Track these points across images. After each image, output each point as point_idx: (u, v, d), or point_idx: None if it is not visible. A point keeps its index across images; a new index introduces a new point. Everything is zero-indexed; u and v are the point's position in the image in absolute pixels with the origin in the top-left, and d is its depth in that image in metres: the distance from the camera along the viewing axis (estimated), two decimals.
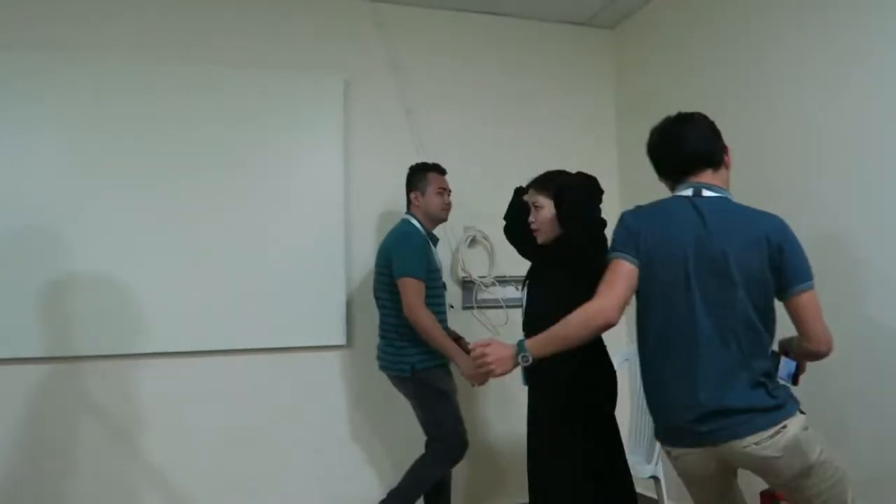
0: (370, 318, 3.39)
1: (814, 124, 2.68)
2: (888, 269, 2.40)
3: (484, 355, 1.78)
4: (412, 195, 2.97)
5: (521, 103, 3.78)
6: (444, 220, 3.00)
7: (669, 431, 1.85)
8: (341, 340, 3.35)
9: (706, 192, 1.86)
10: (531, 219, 2.34)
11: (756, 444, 1.70)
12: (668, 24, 3.55)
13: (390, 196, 3.49)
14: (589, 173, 2.30)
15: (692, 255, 1.78)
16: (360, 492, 3.33)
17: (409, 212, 2.98)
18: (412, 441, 3.43)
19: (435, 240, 2.98)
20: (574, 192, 2.22)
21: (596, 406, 2.22)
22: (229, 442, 3.16)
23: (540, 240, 2.33)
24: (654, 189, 2.05)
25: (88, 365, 3.00)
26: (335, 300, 3.34)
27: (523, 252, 2.51)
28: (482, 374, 1.88)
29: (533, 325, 2.13)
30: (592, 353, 2.21)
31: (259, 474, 3.21)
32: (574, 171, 2.35)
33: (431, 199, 2.93)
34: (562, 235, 2.25)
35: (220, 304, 3.16)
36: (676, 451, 1.84)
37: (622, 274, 1.82)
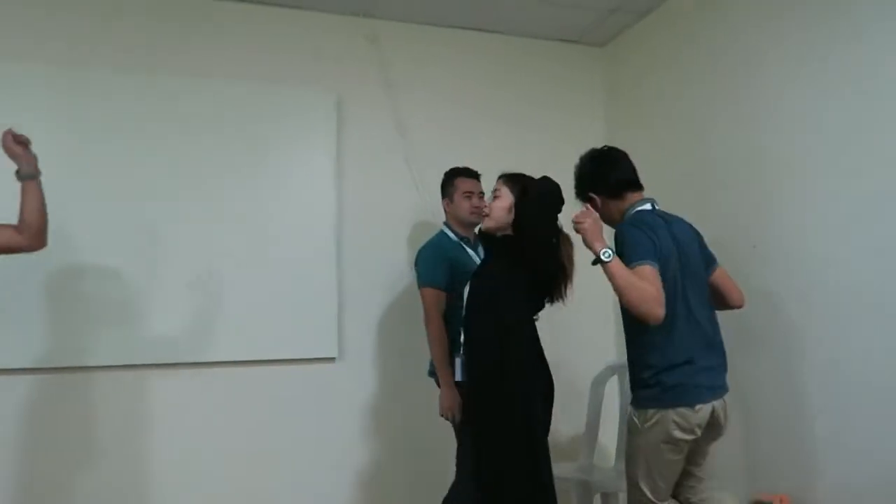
0: (361, 331, 3.45)
1: (803, 139, 2.72)
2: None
3: (584, 219, 2.19)
4: (444, 203, 3.03)
5: (512, 120, 3.83)
6: (476, 223, 2.91)
7: (698, 390, 2.17)
8: (333, 353, 3.37)
9: (657, 206, 2.37)
10: (483, 204, 2.55)
11: (725, 400, 2.25)
12: (658, 42, 3.60)
13: (382, 211, 3.54)
14: (553, 180, 2.43)
15: (677, 255, 2.22)
16: None
17: (444, 220, 3.03)
18: (405, 452, 3.45)
19: (475, 244, 2.96)
20: (537, 195, 2.38)
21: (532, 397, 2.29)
22: (220, 451, 3.18)
23: (484, 225, 2.46)
24: None
25: (80, 376, 3.01)
26: (327, 314, 3.36)
27: None
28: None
29: (468, 313, 2.40)
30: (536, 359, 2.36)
31: (251, 486, 3.22)
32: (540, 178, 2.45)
33: (459, 204, 2.96)
34: (513, 229, 2.38)
35: (211, 316, 3.19)
36: (699, 406, 2.14)
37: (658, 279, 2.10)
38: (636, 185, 2.39)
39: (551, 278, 2.35)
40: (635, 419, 2.19)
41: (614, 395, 3.49)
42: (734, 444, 2.83)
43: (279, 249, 3.32)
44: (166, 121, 3.21)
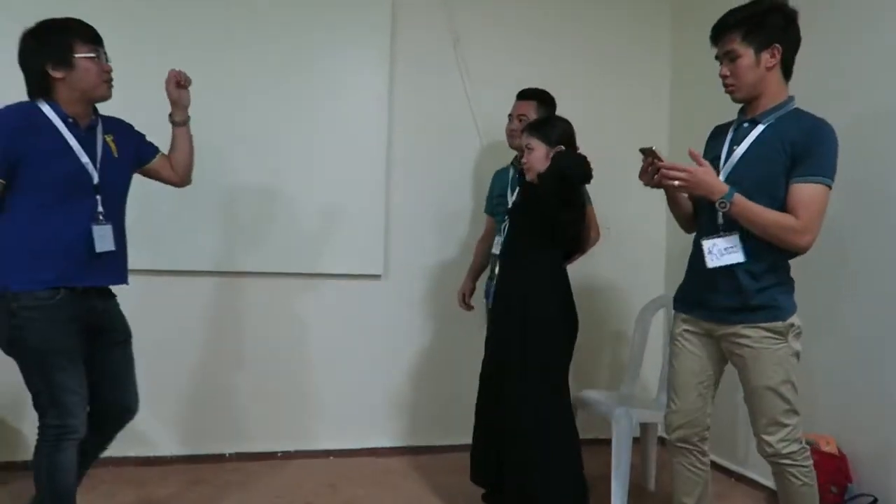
0: (406, 249, 3.45)
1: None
2: None
3: (685, 170, 1.87)
4: None
5: (577, 39, 3.64)
6: (511, 147, 2.93)
7: None
8: (379, 270, 3.38)
9: None
10: (524, 159, 2.53)
11: None
12: None
13: (434, 125, 3.45)
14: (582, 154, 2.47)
15: None
16: (388, 421, 3.44)
17: None
18: (437, 369, 3.50)
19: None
20: (567, 168, 2.39)
21: (552, 350, 2.44)
22: (278, 351, 3.29)
23: (529, 177, 2.51)
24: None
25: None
26: (374, 231, 3.35)
27: None
28: (663, 179, 1.92)
29: (507, 256, 2.57)
30: (558, 302, 2.47)
31: (302, 385, 3.32)
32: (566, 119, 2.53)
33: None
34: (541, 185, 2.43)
35: (260, 227, 3.22)
36: None
37: None
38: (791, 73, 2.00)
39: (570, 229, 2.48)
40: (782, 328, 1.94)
41: (660, 327, 3.46)
42: None
43: (329, 161, 3.28)
44: (219, 24, 3.14)
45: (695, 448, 2.12)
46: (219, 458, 3.20)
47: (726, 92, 1.99)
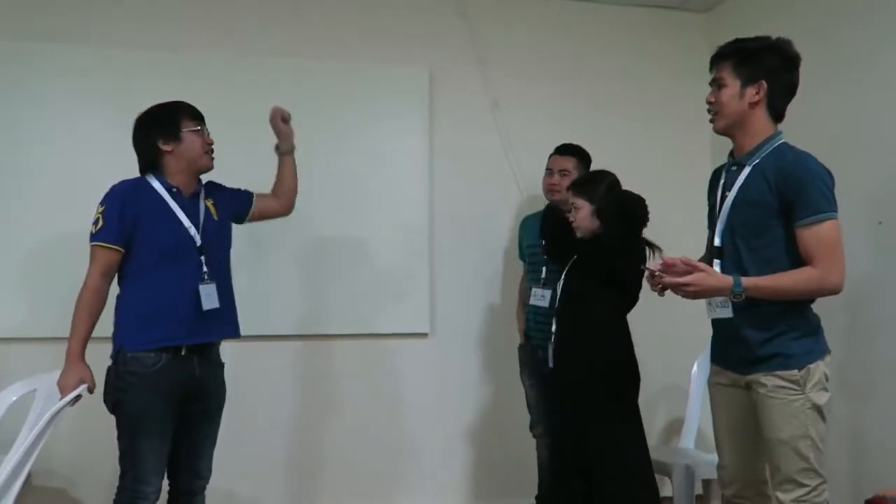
0: (453, 306, 3.47)
1: None
2: None
3: (685, 284, 1.83)
4: None
5: (612, 94, 3.69)
6: (550, 200, 3.02)
7: None
8: (426, 329, 3.40)
9: None
10: (571, 218, 2.58)
11: None
12: (762, 8, 3.37)
13: (475, 188, 3.51)
14: (638, 195, 2.56)
15: None
16: (446, 482, 3.39)
17: None
18: (489, 424, 3.45)
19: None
20: (615, 207, 2.51)
21: (626, 389, 2.50)
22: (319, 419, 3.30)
23: (579, 234, 2.57)
24: None
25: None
26: (420, 290, 3.39)
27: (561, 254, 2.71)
28: (662, 288, 1.92)
29: (567, 310, 2.56)
30: (625, 345, 2.53)
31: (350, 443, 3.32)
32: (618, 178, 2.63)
33: (543, 180, 3.05)
34: (598, 237, 2.52)
35: (306, 291, 3.29)
36: None
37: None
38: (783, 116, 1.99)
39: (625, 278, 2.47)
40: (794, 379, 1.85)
41: None
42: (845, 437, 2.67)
43: (373, 228, 3.37)
44: (260, 101, 3.19)
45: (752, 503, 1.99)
46: None
47: (710, 121, 2.00)
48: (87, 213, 2.20)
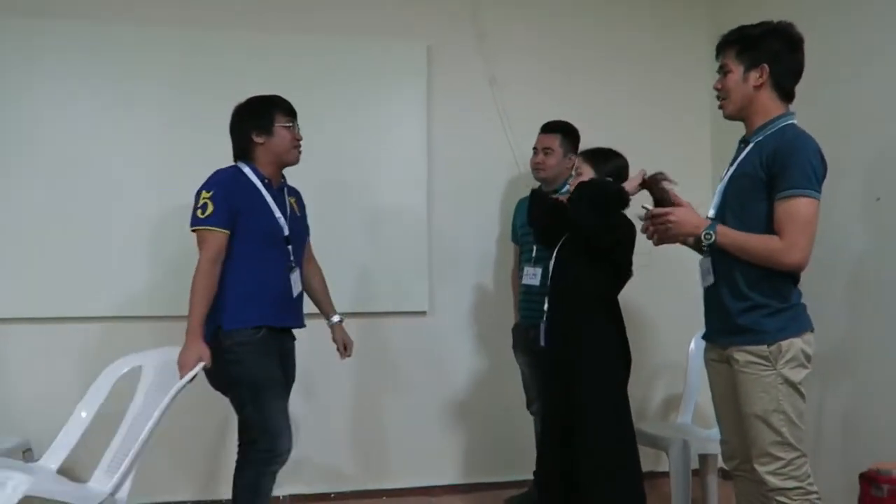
0: (450, 284, 3.47)
1: None
2: None
3: (667, 214, 1.92)
4: None
5: (612, 70, 3.66)
6: (536, 179, 3.07)
7: None
8: (424, 307, 3.41)
9: None
10: (569, 183, 2.59)
11: None
12: None
13: (473, 164, 3.50)
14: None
15: None
16: (441, 459, 3.43)
17: None
18: (487, 400, 3.47)
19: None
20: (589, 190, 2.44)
21: (615, 367, 2.47)
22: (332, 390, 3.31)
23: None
24: None
25: None
26: (418, 269, 3.39)
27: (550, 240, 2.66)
28: (660, 233, 1.97)
29: (558, 288, 2.53)
30: (616, 324, 2.51)
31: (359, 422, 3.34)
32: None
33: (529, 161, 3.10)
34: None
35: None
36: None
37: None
38: (792, 100, 1.99)
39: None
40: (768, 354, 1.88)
41: None
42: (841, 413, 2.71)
43: (370, 205, 3.35)
44: (258, 75, 3.20)
45: (751, 476, 2.00)
46: (273, 502, 3.21)
47: (718, 107, 2.03)
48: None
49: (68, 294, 3.07)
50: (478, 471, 3.45)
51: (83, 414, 2.34)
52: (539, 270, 2.87)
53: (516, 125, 3.48)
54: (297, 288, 2.37)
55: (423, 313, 3.42)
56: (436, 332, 3.44)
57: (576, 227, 2.43)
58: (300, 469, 3.25)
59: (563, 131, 2.99)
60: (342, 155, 3.32)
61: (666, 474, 2.67)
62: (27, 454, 2.84)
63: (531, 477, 3.13)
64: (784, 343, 1.85)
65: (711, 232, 1.88)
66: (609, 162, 2.53)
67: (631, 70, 3.68)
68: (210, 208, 2.20)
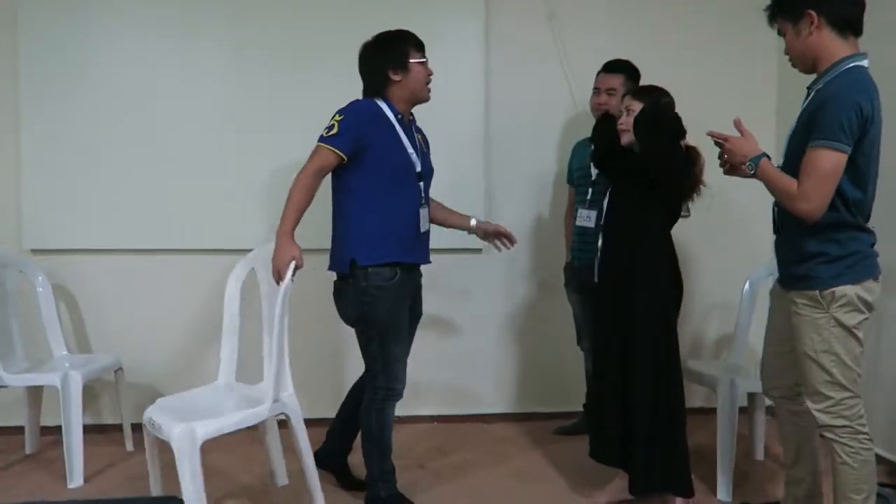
0: (508, 222, 3.47)
1: None
2: None
3: (725, 138, 1.98)
4: None
5: (674, 9, 3.53)
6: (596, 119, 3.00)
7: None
8: (480, 244, 3.47)
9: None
10: (621, 121, 2.51)
11: None
12: None
13: (531, 106, 3.49)
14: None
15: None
16: (495, 389, 3.59)
17: None
18: (547, 339, 3.57)
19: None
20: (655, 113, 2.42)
21: (668, 305, 2.50)
22: None
23: (624, 140, 2.49)
24: None
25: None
26: (475, 206, 3.43)
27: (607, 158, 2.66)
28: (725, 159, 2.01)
29: (611, 227, 2.54)
30: (669, 261, 2.52)
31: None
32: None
33: (590, 101, 3.09)
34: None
35: None
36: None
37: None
38: (860, 31, 1.92)
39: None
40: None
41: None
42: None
43: (432, 144, 3.37)
44: (310, 17, 3.33)
45: (784, 400, 2.19)
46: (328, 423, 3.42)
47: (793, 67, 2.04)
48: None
49: (150, 228, 3.32)
50: (529, 401, 3.59)
51: (231, 324, 2.51)
52: (594, 213, 2.90)
53: (575, 64, 3.45)
54: (424, 225, 2.40)
55: (479, 251, 3.50)
56: (490, 269, 3.54)
57: (645, 154, 2.43)
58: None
59: (627, 71, 2.93)
60: None
61: (714, 410, 2.73)
62: (118, 373, 3.13)
63: (580, 409, 3.26)
64: (838, 290, 1.90)
65: (753, 164, 1.93)
66: (660, 98, 2.50)
67: (694, 7, 3.54)
68: (335, 130, 2.25)
